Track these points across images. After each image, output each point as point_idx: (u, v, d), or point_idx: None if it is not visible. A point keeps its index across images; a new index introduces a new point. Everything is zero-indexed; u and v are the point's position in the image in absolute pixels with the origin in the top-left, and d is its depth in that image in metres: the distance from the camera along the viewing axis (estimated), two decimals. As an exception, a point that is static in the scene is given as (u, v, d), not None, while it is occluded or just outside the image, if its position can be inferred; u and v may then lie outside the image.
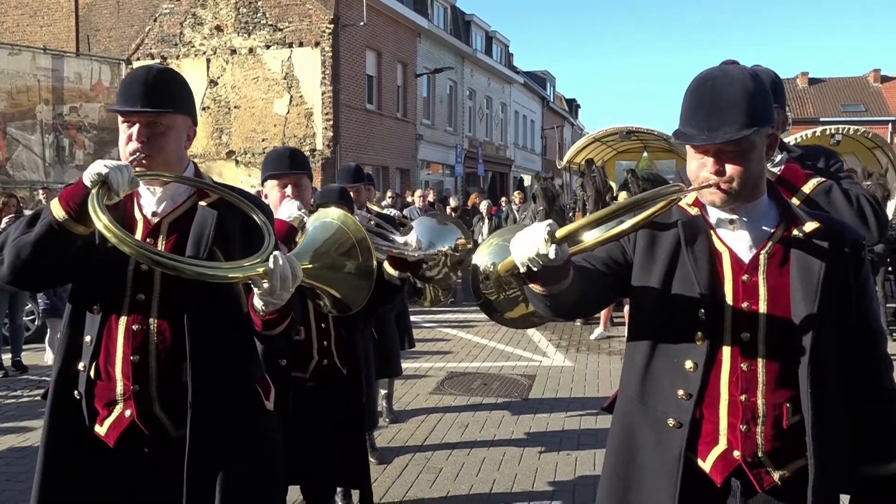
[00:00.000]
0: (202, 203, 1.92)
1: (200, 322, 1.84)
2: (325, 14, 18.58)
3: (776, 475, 1.64)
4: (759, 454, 1.62)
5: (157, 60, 19.97)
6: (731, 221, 1.67)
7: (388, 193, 13.53)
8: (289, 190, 2.71)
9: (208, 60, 19.71)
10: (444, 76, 25.26)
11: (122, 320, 1.84)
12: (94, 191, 1.68)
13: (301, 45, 18.94)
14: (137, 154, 1.85)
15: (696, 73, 1.69)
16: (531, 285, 1.62)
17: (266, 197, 2.80)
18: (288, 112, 19.19)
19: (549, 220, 1.55)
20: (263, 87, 19.30)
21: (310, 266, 1.86)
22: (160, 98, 1.88)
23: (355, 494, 3.71)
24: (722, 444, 1.64)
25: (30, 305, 8.22)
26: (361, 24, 19.26)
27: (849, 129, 12.66)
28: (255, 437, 1.95)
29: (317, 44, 18.77)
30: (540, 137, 39.94)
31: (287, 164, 2.76)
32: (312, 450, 2.86)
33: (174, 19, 19.87)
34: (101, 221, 1.62)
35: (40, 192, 10.99)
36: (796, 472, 1.62)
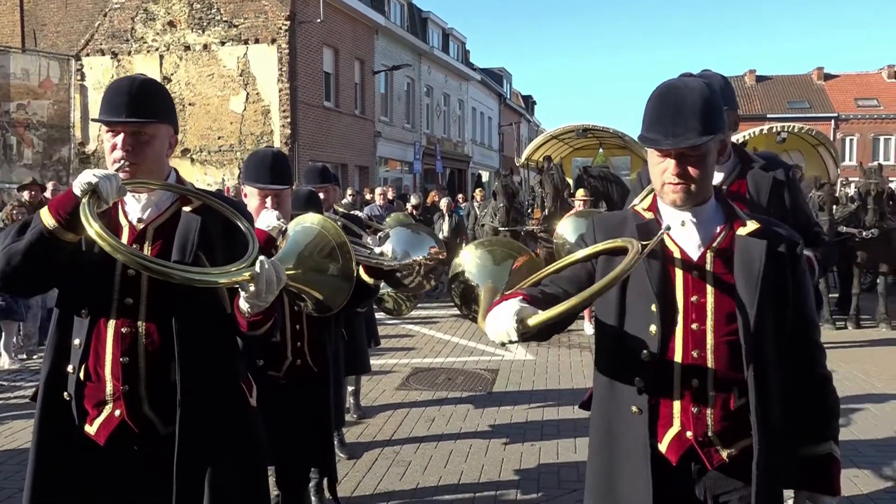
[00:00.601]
0: (186, 209, 1.99)
1: (187, 323, 1.92)
2: (281, 10, 18.45)
3: (724, 453, 1.79)
4: (709, 434, 1.78)
5: (108, 57, 19.56)
6: (683, 223, 1.83)
7: (349, 191, 13.56)
8: (269, 201, 2.79)
9: (161, 57, 19.37)
10: (401, 73, 25.31)
11: (111, 323, 1.91)
12: (84, 200, 1.75)
13: (257, 41, 18.77)
14: (122, 162, 1.92)
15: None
16: None
17: (245, 197, 2.87)
18: (245, 109, 19.00)
19: (518, 307, 1.64)
20: (219, 84, 19.07)
21: (293, 270, 1.95)
22: (144, 108, 1.94)
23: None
24: (676, 426, 1.80)
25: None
26: (318, 20, 19.17)
27: (794, 126, 13.20)
28: (241, 432, 2.03)
29: (273, 40, 18.63)
30: (497, 134, 40.25)
31: (268, 178, 2.81)
32: (284, 440, 2.98)
33: (125, 14, 19.46)
34: (93, 229, 1.69)
35: (-8, 192, 10.69)
36: (742, 451, 1.78)
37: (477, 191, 14.70)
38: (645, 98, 1.85)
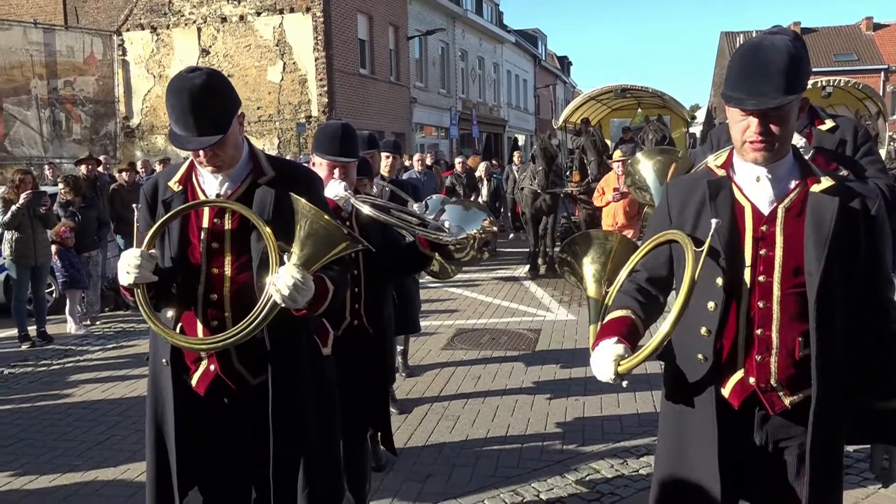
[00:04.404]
0: (261, 181, 2.15)
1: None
2: (315, -22, 18.45)
3: (787, 400, 1.87)
4: (772, 381, 1.87)
5: (148, 31, 19.88)
6: (758, 179, 1.89)
7: (416, 157, 13.56)
8: (336, 172, 2.98)
9: (199, 29, 19.62)
10: (435, 38, 25.15)
11: (200, 292, 2.11)
12: (140, 302, 2.01)
13: (292, 10, 18.86)
14: (209, 167, 2.10)
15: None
16: None
17: (313, 166, 3.05)
18: (282, 79, 19.19)
19: (616, 354, 1.81)
20: (256, 55, 19.27)
21: (311, 262, 2.00)
22: (216, 122, 2.01)
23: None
24: (739, 373, 1.89)
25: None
26: (352, -13, 19.13)
27: (839, 80, 12.84)
28: (321, 379, 2.25)
29: (308, 9, 18.69)
30: (533, 97, 39.82)
31: (337, 150, 2.99)
32: (345, 397, 3.18)
33: (162, -12, 19.69)
34: (156, 327, 2.00)
35: (46, 168, 11.13)
36: (806, 398, 1.85)
37: (515, 154, 14.70)
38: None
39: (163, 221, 2.09)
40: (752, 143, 1.82)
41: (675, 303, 1.81)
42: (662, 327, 1.80)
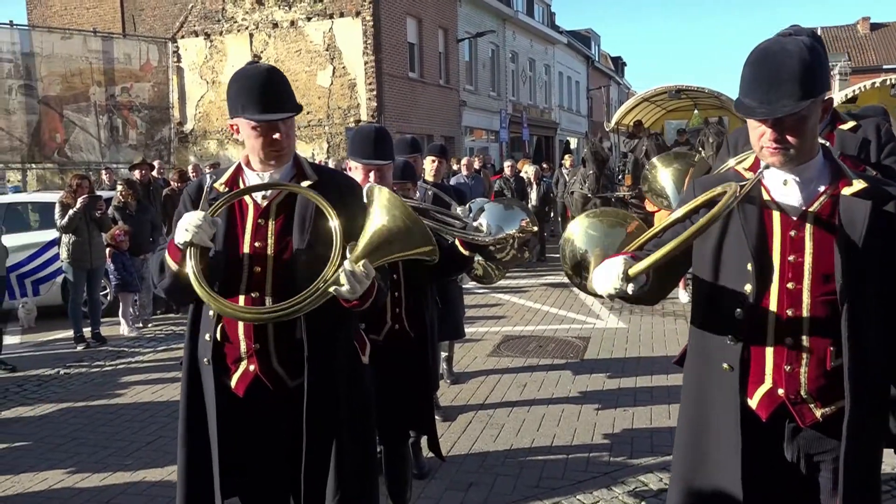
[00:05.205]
0: (303, 184, 2.19)
1: (309, 286, 2.12)
2: (364, -18, 18.70)
3: (818, 412, 1.82)
4: (802, 392, 1.82)
5: (202, 38, 20.47)
6: (785, 182, 1.85)
7: (464, 161, 13.57)
8: (372, 175, 3.02)
9: (251, 35, 20.10)
10: (485, 40, 25.18)
11: (242, 290, 2.15)
12: (190, 263, 2.00)
13: (342, 15, 19.15)
14: (280, 153, 2.16)
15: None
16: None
17: (350, 171, 3.09)
18: (331, 84, 19.50)
19: (622, 260, 1.78)
20: (306, 60, 19.63)
21: (377, 254, 2.04)
22: (288, 100, 2.16)
23: (424, 448, 4.05)
24: (767, 383, 1.85)
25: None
26: (401, -10, 19.32)
27: (912, 78, 12.33)
28: (356, 385, 2.27)
29: (357, 13, 18.96)
30: (585, 98, 39.44)
31: (371, 153, 3.03)
32: (386, 401, 3.21)
33: (216, -5, 20.26)
34: (202, 291, 1.98)
35: (103, 172, 11.56)
36: (839, 410, 1.80)
37: (566, 157, 14.59)
38: (744, 57, 1.84)
39: (235, 194, 2.14)
40: (768, 149, 1.80)
41: (702, 218, 1.77)
42: (686, 232, 1.76)
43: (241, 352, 2.17)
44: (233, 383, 2.20)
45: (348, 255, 2.00)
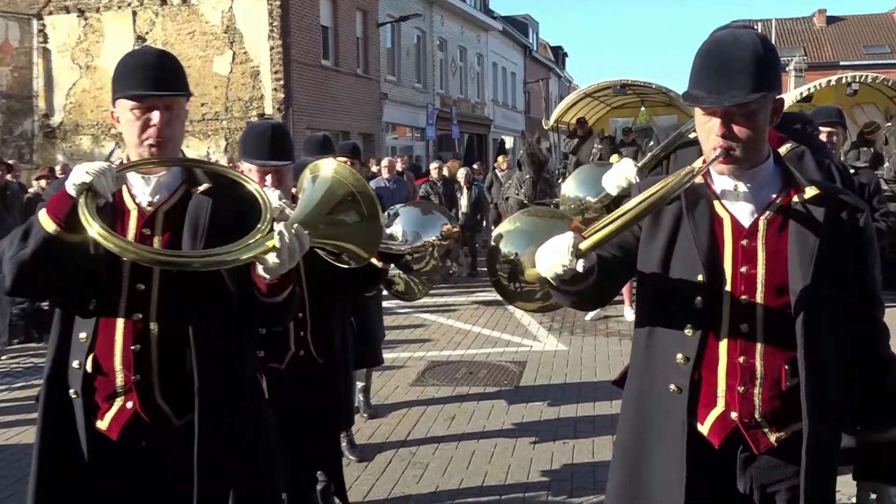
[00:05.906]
0: (195, 190, 2.16)
1: (201, 307, 2.10)
2: (269, -44, 18.54)
3: (773, 437, 1.90)
4: (756, 415, 1.89)
5: (74, 14, 19.81)
6: (735, 188, 1.93)
7: (384, 162, 13.50)
8: (269, 179, 2.97)
9: (134, 13, 19.59)
10: (410, 25, 25.35)
11: (122, 311, 2.09)
12: (82, 200, 1.92)
13: (243, -8, 18.92)
14: (156, 139, 2.11)
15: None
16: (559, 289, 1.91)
17: (242, 173, 3.04)
18: (231, 71, 19.19)
19: (572, 234, 1.81)
20: (201, 43, 19.26)
21: (315, 228, 2.07)
22: (176, 81, 2.14)
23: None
24: (720, 406, 1.91)
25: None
26: (313, -34, 19.25)
27: (867, 76, 13.09)
28: (258, 421, 2.24)
29: (262, -9, 18.77)
30: (522, 92, 40.18)
31: (268, 153, 2.98)
32: (290, 441, 3.16)
33: (92, -35, 19.67)
34: (96, 230, 1.87)
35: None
36: (793, 434, 1.88)
37: (500, 158, 14.79)
38: (694, 50, 1.92)
39: (137, 163, 2.12)
40: (716, 147, 1.86)
41: (656, 193, 1.84)
42: (640, 206, 1.82)
43: (116, 385, 2.10)
44: (104, 425, 2.12)
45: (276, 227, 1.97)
